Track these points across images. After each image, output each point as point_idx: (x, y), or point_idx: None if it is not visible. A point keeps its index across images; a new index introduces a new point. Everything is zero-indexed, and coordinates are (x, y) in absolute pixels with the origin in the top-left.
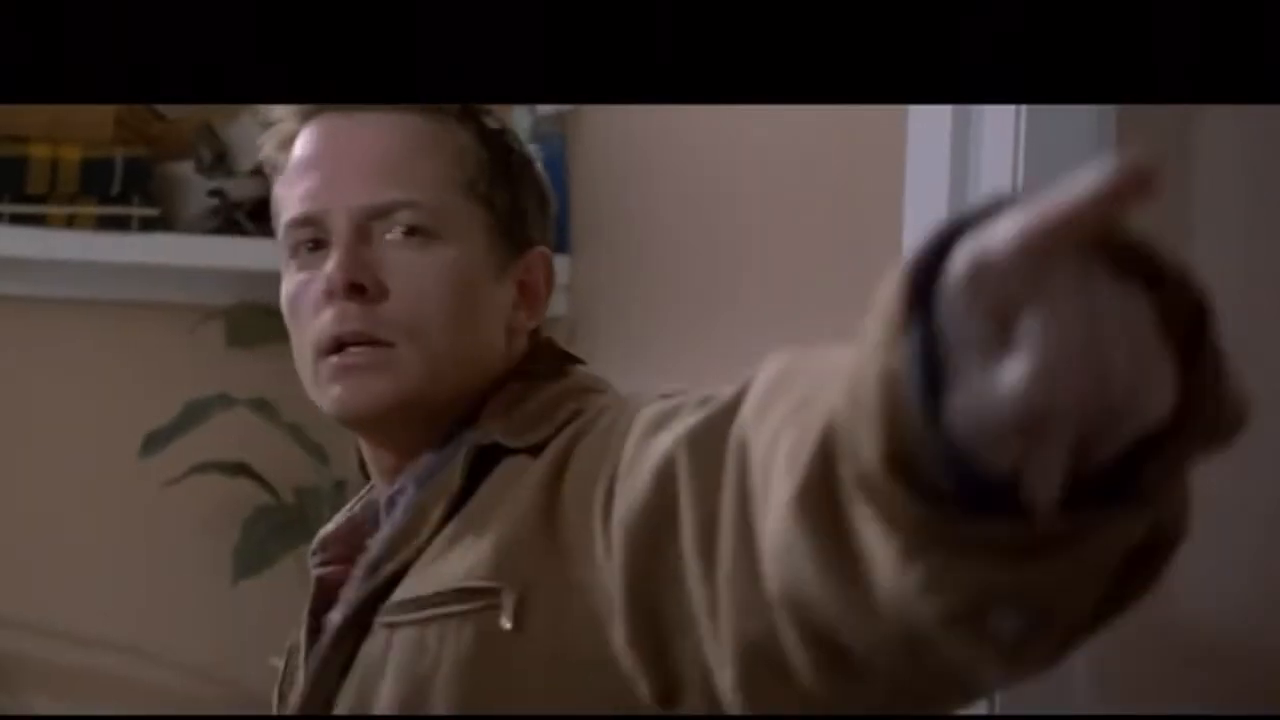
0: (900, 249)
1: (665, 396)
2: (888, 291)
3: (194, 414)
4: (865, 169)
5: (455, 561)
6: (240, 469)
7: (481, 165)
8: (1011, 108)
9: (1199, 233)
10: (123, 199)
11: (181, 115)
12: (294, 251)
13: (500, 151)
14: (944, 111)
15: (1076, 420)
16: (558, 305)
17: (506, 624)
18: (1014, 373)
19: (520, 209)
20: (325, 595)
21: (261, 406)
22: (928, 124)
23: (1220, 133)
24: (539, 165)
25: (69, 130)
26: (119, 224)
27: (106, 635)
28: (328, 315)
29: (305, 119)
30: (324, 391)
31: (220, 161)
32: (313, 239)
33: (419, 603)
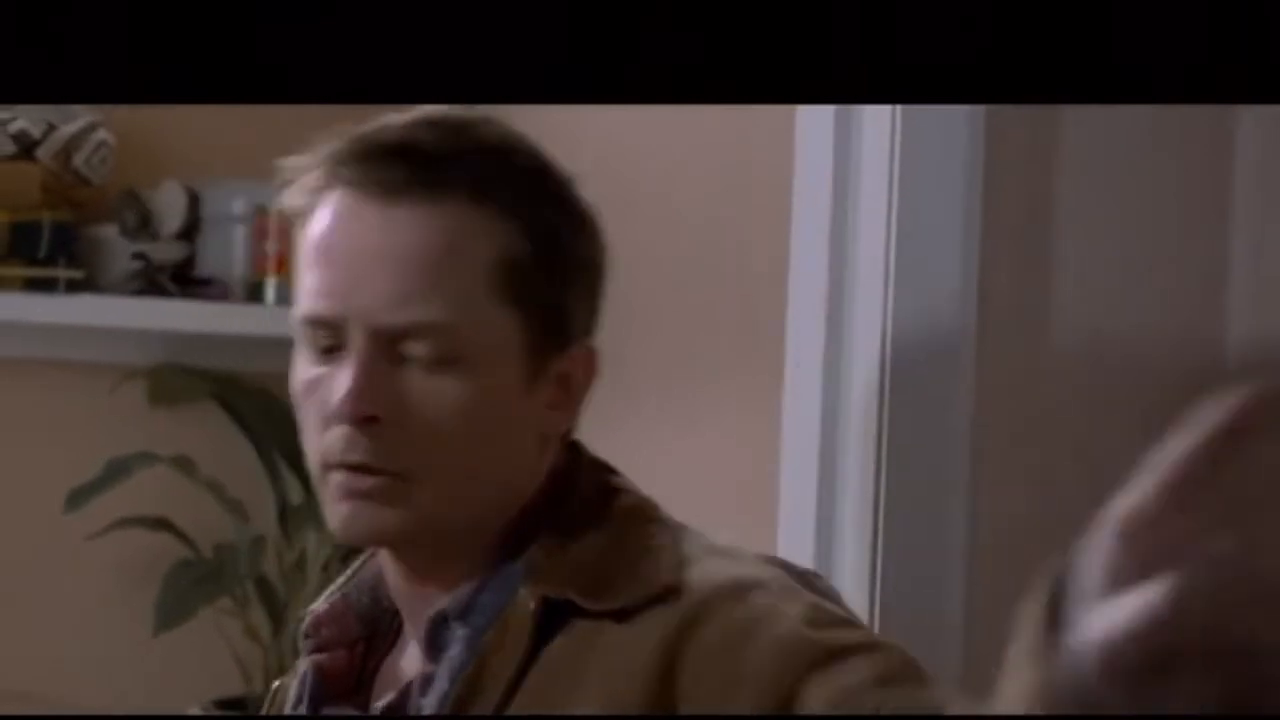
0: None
1: (812, 623)
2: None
3: (116, 470)
4: (753, 191)
5: None
6: (161, 524)
7: (523, 264)
8: (888, 109)
9: (1063, 231)
10: (49, 261)
11: (106, 181)
12: (307, 341)
13: (549, 242)
14: (828, 112)
15: (1210, 661)
16: None
17: None
18: (1138, 598)
19: (565, 306)
20: (324, 683)
21: (182, 464)
22: (814, 125)
23: (1086, 133)
24: (597, 236)
25: None
26: (46, 285)
27: (29, 684)
28: (336, 435)
29: (330, 184)
30: (329, 508)
31: (144, 226)
32: (327, 344)
33: None
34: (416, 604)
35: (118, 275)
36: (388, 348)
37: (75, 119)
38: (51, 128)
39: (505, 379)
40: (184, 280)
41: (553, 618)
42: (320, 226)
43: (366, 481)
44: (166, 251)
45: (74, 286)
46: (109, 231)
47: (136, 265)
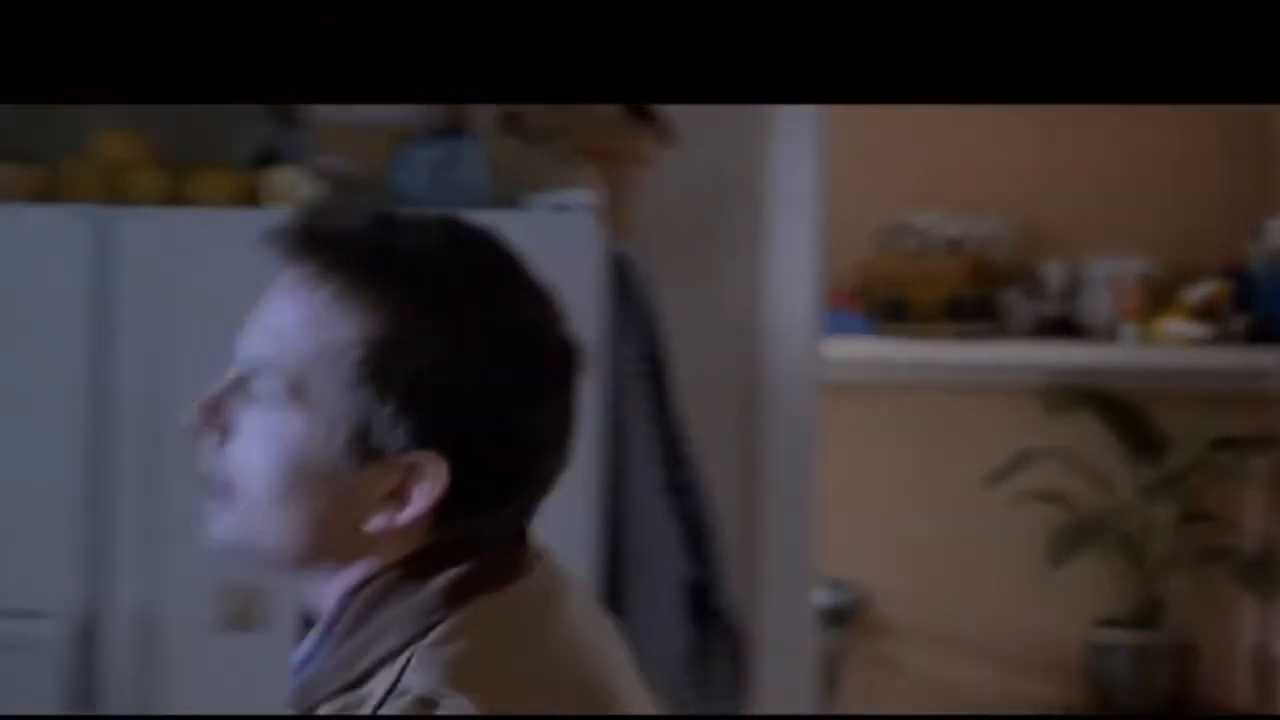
0: None
1: None
2: None
3: (1022, 460)
4: None
5: None
6: (1052, 496)
7: (365, 358)
8: None
9: None
10: (970, 318)
11: (1008, 259)
12: None
13: (403, 351)
14: None
15: None
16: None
17: None
18: None
19: (396, 413)
20: None
21: (1066, 454)
22: None
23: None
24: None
25: (935, 278)
26: (969, 335)
27: (958, 610)
28: None
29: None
30: None
31: (1037, 289)
32: None
33: None
34: None
35: (1019, 325)
36: (245, 383)
37: (984, 223)
38: (958, 235)
39: (321, 440)
40: (1065, 327)
41: None
42: None
43: (214, 493)
44: (1051, 307)
45: (988, 335)
46: (1012, 294)
47: (1032, 318)
